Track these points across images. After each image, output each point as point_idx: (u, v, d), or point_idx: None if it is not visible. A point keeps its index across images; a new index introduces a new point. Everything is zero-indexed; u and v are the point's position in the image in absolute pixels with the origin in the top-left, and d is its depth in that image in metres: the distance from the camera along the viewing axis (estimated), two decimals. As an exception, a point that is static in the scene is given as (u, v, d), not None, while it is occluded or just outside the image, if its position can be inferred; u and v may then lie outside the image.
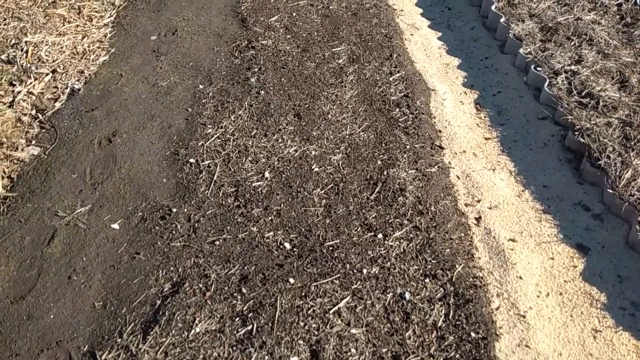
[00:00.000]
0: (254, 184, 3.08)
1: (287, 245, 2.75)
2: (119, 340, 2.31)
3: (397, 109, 3.70)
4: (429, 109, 3.84)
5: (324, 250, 2.72)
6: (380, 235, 2.81)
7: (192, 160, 3.23)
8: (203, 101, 3.71)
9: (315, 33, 4.50)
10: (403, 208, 2.97)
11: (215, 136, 3.41)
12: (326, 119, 3.59)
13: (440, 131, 3.67)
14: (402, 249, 2.75)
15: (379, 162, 3.27)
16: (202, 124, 3.51)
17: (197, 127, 3.48)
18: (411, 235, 2.82)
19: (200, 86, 3.86)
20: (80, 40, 4.24)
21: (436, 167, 3.29)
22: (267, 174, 3.15)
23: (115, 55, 4.13)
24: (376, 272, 2.63)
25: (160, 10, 4.70)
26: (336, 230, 2.83)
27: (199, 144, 3.35)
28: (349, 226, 2.86)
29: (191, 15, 4.67)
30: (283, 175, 3.15)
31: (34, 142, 3.36)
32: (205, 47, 4.28)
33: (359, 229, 2.85)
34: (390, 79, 4.00)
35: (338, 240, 2.78)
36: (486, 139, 3.62)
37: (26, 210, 2.91)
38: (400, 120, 3.61)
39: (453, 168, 3.37)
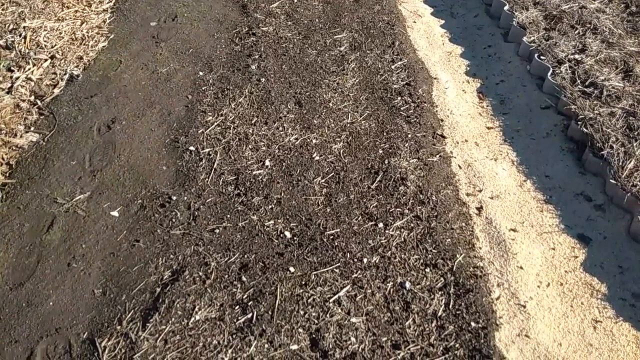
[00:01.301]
0: (254, 172, 3.06)
1: (288, 234, 2.73)
2: (118, 327, 2.31)
3: (399, 98, 3.67)
4: (431, 98, 3.81)
5: (325, 239, 2.71)
6: (380, 225, 2.80)
7: (192, 148, 3.21)
8: (203, 88, 3.68)
9: (317, 20, 4.45)
10: (404, 197, 2.95)
11: (216, 124, 3.38)
12: (327, 107, 3.56)
13: (442, 120, 3.64)
14: (402, 239, 2.73)
15: (380, 151, 3.25)
16: (202, 112, 3.48)
17: (197, 115, 3.45)
18: (412, 225, 2.81)
19: (200, 73, 3.82)
20: (79, 25, 4.19)
21: (438, 156, 3.27)
22: (267, 162, 3.13)
23: (115, 41, 4.09)
24: (376, 261, 2.62)
25: (160, -4, 4.64)
26: (337, 219, 2.82)
27: (199, 131, 3.33)
28: (350, 215, 2.84)
29: (191, 1, 4.62)
30: (283, 164, 3.13)
31: (32, 128, 3.34)
32: (206, 33, 4.24)
33: (360, 218, 2.83)
34: (392, 67, 3.96)
35: (338, 229, 2.76)
36: (488, 128, 3.60)
37: (25, 197, 2.89)
38: (402, 108, 3.58)
39: (455, 157, 3.35)
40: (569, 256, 2.78)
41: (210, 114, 3.46)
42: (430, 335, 2.34)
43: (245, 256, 2.62)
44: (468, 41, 4.47)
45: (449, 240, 2.75)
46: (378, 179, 3.06)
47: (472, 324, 2.38)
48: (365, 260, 2.62)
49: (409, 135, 3.37)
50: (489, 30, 4.57)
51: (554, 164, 3.29)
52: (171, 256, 2.62)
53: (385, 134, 3.38)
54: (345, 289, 2.48)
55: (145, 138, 3.29)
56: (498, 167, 3.29)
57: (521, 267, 2.70)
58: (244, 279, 2.51)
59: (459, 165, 3.30)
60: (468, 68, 4.17)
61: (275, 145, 3.25)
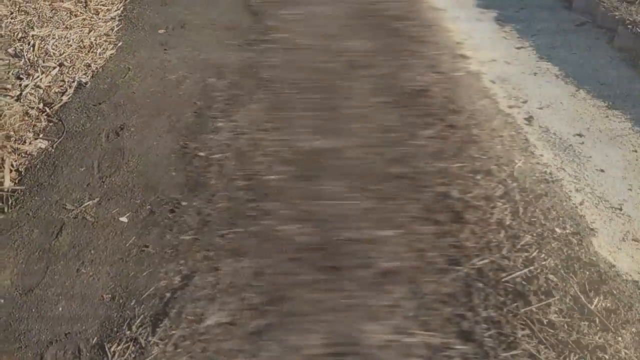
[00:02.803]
0: (265, 178, 3.03)
1: (301, 239, 2.69)
2: (128, 332, 2.27)
3: (404, 21, 3.64)
4: (442, 23, 3.75)
5: (340, 244, 2.66)
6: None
7: (201, 154, 3.19)
8: (213, 95, 3.68)
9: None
10: (430, 107, 2.80)
11: (226, 129, 3.37)
12: (341, 113, 3.51)
13: (460, 42, 3.57)
14: (436, 148, 2.52)
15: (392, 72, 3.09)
16: (212, 118, 3.47)
17: (207, 121, 3.44)
18: (446, 134, 2.63)
19: (210, 79, 3.82)
20: (87, 33, 4.21)
21: (463, 72, 3.17)
22: (279, 168, 3.10)
23: (123, 49, 4.10)
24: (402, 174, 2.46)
25: (167, 4, 4.68)
26: (351, 223, 2.77)
27: (209, 137, 3.31)
28: (365, 220, 2.78)
29: (200, 9, 4.64)
30: (295, 169, 3.09)
31: (41, 135, 3.33)
32: (215, 40, 4.24)
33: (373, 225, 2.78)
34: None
35: (356, 235, 2.70)
36: (517, 48, 3.57)
37: (34, 203, 2.88)
38: (408, 31, 3.48)
39: (485, 74, 3.27)
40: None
41: (220, 119, 3.45)
42: (501, 246, 2.10)
43: (257, 261, 2.58)
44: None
45: (500, 147, 2.57)
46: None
47: (557, 230, 2.17)
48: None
49: (423, 54, 3.27)
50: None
51: (607, 73, 3.21)
52: (181, 262, 2.58)
53: (392, 53, 3.24)
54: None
55: (154, 144, 3.27)
56: (540, 80, 3.22)
57: (602, 170, 2.55)
58: (255, 284, 2.47)
59: (492, 81, 3.20)
60: (481, 1, 4.17)
61: (287, 150, 3.22)
